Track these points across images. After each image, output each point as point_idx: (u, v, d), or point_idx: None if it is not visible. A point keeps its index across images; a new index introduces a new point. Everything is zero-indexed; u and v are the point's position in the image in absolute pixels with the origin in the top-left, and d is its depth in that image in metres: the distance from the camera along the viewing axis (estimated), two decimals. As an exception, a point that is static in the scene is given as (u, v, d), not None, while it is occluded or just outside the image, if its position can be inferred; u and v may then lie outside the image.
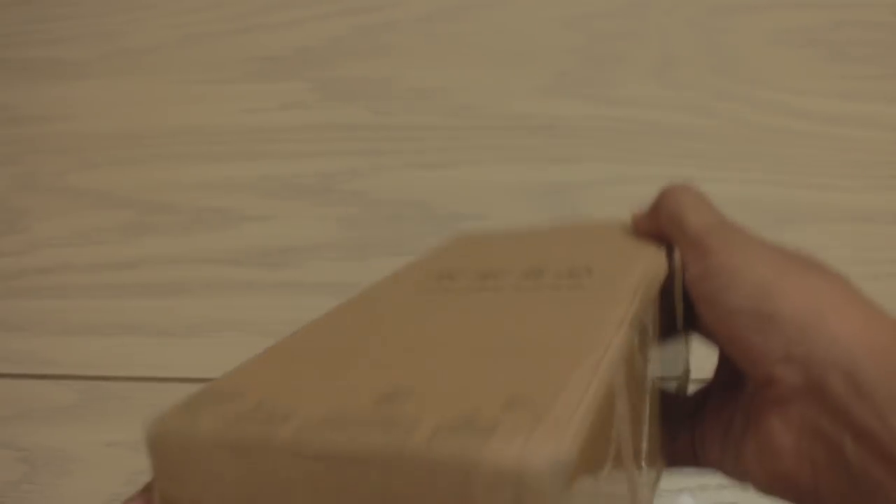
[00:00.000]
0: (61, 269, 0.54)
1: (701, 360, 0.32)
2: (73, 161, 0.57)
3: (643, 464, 0.24)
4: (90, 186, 0.56)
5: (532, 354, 0.22)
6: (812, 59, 0.55)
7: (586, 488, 0.18)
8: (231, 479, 0.20)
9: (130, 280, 0.53)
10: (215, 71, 0.58)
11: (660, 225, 0.30)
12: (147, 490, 0.22)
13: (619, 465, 0.21)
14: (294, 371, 0.24)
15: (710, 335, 0.28)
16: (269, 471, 0.20)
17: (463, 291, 0.31)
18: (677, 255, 0.30)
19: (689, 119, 0.54)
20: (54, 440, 0.49)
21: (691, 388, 0.32)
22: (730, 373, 0.29)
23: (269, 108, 0.57)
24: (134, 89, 0.58)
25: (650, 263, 0.28)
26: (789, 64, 0.55)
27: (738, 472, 0.26)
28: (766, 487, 0.25)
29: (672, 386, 0.31)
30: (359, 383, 0.21)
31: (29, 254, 0.54)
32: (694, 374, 0.34)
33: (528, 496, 0.16)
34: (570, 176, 0.55)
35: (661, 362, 0.27)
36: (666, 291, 0.30)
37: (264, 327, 0.51)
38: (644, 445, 0.24)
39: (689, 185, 0.31)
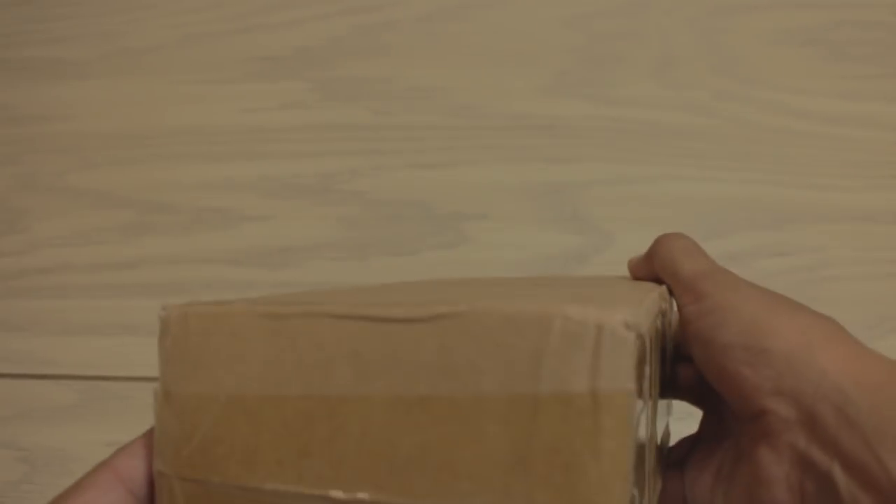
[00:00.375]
0: (61, 269, 0.54)
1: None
2: (72, 161, 0.57)
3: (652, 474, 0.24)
4: (90, 186, 0.56)
5: (578, 293, 0.22)
6: (812, 58, 0.55)
7: (645, 372, 0.18)
8: (260, 357, 0.19)
9: (130, 280, 0.53)
10: (215, 71, 0.58)
11: (654, 271, 0.32)
12: (148, 435, 0.22)
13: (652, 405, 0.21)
14: (327, 294, 0.23)
15: (703, 374, 0.28)
16: (309, 342, 0.18)
17: (480, 283, 0.30)
18: (673, 306, 0.31)
19: (688, 119, 0.54)
20: (54, 440, 0.49)
21: (674, 439, 0.33)
22: (717, 421, 0.31)
23: (268, 108, 0.57)
24: (134, 89, 0.58)
25: (656, 288, 0.29)
26: (789, 64, 0.55)
27: None
28: None
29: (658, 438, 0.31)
30: (406, 298, 0.20)
31: (29, 254, 0.54)
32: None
33: (606, 346, 0.16)
34: (570, 176, 0.55)
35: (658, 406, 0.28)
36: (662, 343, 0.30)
37: (264, 327, 0.51)
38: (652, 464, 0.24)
39: (681, 234, 0.32)
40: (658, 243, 0.32)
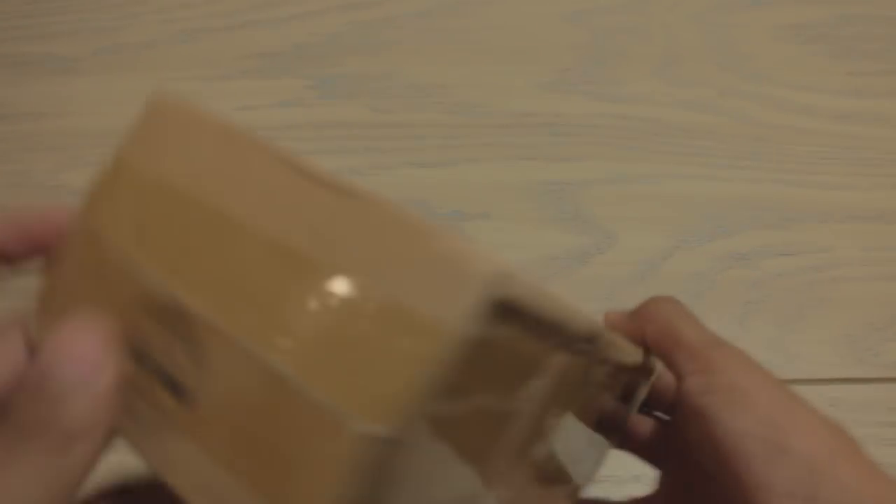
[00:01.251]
0: (54, 269, 0.53)
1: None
2: (66, 159, 0.56)
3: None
4: (84, 185, 0.55)
5: None
6: (819, 54, 0.54)
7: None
8: (203, 161, 0.21)
9: (125, 280, 0.52)
10: (211, 67, 0.57)
11: (642, 332, 0.30)
12: (22, 321, 0.23)
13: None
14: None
15: (693, 446, 0.27)
16: (245, 165, 0.20)
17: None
18: (661, 367, 0.30)
19: (693, 116, 0.54)
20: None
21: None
22: (682, 489, 0.30)
23: (266, 106, 0.56)
24: (129, 86, 0.57)
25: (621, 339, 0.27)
26: (796, 60, 0.54)
27: None
28: None
29: (562, 480, 0.30)
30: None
31: (21, 253, 0.54)
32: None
33: (473, 285, 0.16)
34: (572, 174, 0.54)
35: (567, 436, 0.27)
36: (627, 392, 0.29)
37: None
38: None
39: (673, 298, 0.30)
40: (650, 305, 0.30)
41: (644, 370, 0.30)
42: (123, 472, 0.27)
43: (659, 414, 0.33)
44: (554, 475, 0.28)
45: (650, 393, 0.31)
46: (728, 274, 0.50)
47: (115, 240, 0.21)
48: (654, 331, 0.29)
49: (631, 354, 0.28)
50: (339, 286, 0.17)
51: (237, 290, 0.19)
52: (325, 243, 0.18)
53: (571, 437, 0.27)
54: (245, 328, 0.18)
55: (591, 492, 0.33)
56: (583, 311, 0.22)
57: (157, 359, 0.20)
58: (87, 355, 0.19)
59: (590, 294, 0.49)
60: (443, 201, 0.54)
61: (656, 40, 0.55)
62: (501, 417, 0.21)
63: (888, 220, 0.52)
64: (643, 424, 0.33)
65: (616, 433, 0.32)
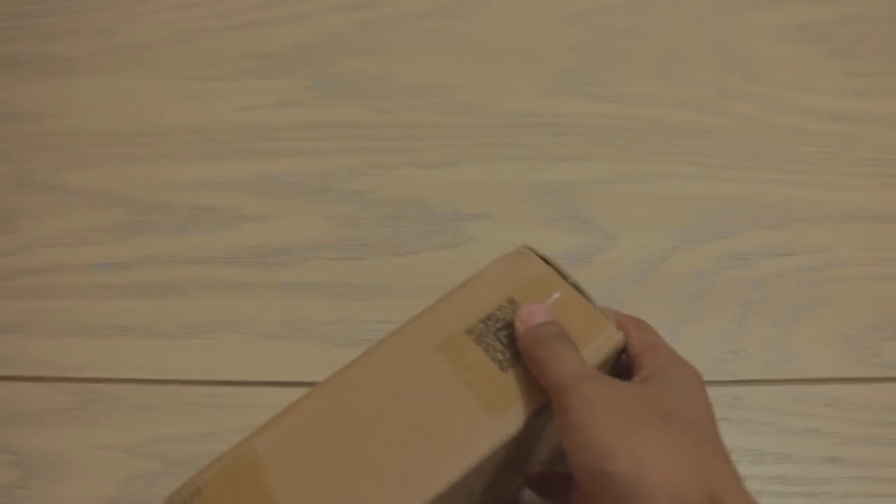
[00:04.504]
0: (54, 270, 0.53)
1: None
2: (66, 159, 0.56)
3: None
4: (84, 185, 0.55)
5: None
6: (819, 55, 0.54)
7: None
8: None
9: (125, 280, 0.52)
10: (211, 67, 0.57)
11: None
12: None
13: None
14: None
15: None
16: None
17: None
18: None
19: (693, 117, 0.54)
20: (47, 443, 0.48)
21: None
22: None
23: (266, 106, 0.56)
24: (128, 86, 0.57)
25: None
26: (796, 60, 0.55)
27: None
28: None
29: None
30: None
31: (21, 254, 0.54)
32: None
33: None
34: (572, 175, 0.54)
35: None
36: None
37: (262, 328, 0.50)
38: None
39: (548, 323, 0.32)
40: (528, 334, 0.31)
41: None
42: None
43: None
44: None
45: None
46: (727, 274, 0.50)
47: None
48: (532, 370, 0.30)
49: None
50: None
51: None
52: None
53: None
54: None
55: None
56: None
57: None
58: None
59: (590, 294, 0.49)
60: (443, 201, 0.54)
61: (656, 41, 0.55)
62: None
63: (887, 220, 0.52)
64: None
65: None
